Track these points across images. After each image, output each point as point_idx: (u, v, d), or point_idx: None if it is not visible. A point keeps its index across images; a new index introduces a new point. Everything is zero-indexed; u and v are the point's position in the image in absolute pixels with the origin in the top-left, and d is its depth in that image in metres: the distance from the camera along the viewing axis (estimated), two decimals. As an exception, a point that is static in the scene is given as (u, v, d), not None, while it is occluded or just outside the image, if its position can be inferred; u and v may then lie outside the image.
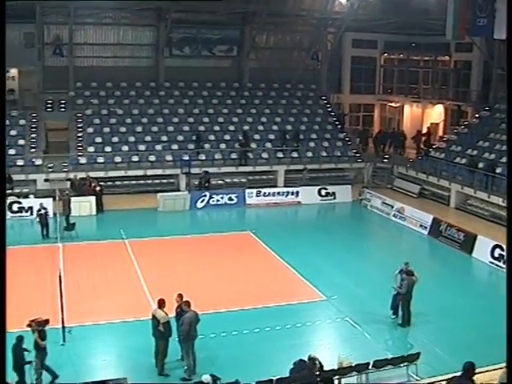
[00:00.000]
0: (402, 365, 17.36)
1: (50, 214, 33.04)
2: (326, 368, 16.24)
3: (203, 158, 41.94)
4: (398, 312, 21.84)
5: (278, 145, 44.25)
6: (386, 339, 20.89)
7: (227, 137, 44.01)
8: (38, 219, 31.92)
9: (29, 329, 17.33)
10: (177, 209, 37.28)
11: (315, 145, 45.09)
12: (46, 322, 17.71)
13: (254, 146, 43.56)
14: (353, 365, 16.79)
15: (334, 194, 40.53)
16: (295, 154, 43.98)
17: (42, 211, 31.81)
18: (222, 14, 45.79)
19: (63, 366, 18.29)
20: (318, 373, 15.94)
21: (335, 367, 16.79)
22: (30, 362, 16.81)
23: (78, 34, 46.11)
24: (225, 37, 48.82)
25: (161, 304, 18.09)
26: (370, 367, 16.91)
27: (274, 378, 15.80)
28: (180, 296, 18.45)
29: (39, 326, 17.31)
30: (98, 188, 37.04)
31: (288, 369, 16.15)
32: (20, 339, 16.77)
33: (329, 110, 49.65)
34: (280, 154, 43.64)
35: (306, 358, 16.19)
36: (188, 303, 18.03)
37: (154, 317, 18.02)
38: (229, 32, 48.92)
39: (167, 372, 18.08)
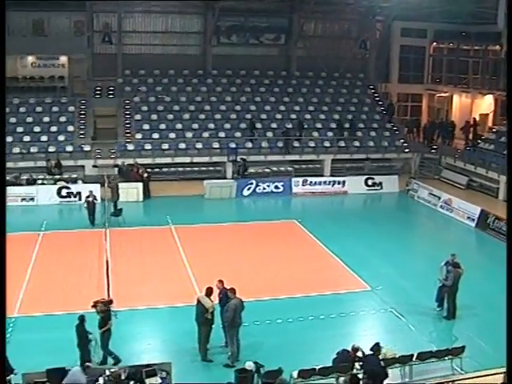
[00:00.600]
0: (446, 358, 17.23)
1: (98, 200, 33.49)
2: (369, 359, 16.22)
3: (250, 146, 41.99)
4: (443, 304, 21.65)
5: (326, 134, 44.07)
6: (430, 331, 20.74)
7: (274, 125, 43.96)
8: (85, 205, 31.90)
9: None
10: (223, 196, 37.45)
11: (362, 134, 44.78)
12: (110, 302, 18.11)
13: (298, 134, 43.46)
14: (396, 356, 16.74)
15: (380, 184, 40.25)
16: (342, 144, 43.72)
17: (90, 198, 31.73)
18: (270, 1, 45.71)
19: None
20: (360, 363, 15.96)
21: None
22: (91, 340, 17.30)
23: (127, 21, 46.62)
24: (273, 25, 48.71)
25: (209, 292, 18.21)
26: (413, 359, 16.84)
27: (317, 367, 15.84)
28: (221, 282, 18.59)
29: (104, 307, 17.55)
30: (145, 174, 37.43)
31: (331, 358, 16.19)
32: (82, 319, 17.23)
33: (376, 99, 49.25)
34: (327, 143, 43.45)
35: (349, 348, 16.20)
36: (233, 290, 18.14)
37: (199, 303, 18.15)
38: (277, 20, 48.80)
39: (210, 358, 18.24)
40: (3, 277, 16.74)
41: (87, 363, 15.14)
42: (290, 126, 43.75)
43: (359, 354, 16.25)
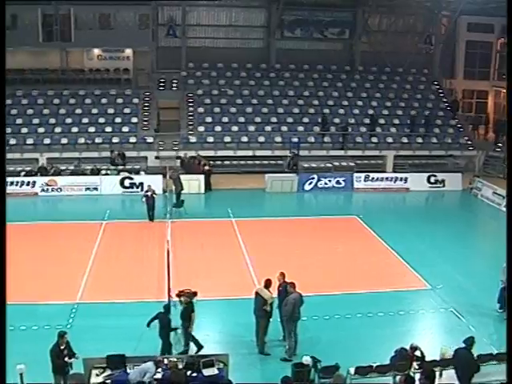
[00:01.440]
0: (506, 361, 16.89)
1: (159, 191, 33.85)
2: (427, 358, 16.04)
3: (312, 140, 41.89)
4: (505, 306, 21.25)
5: (389, 129, 43.67)
6: (490, 333, 20.32)
7: (337, 120, 43.71)
8: (144, 200, 31.33)
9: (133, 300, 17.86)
10: (284, 190, 37.46)
11: (425, 131, 44.18)
12: (195, 294, 18.28)
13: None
14: (455, 357, 16.49)
15: (443, 181, 39.65)
16: (405, 140, 43.24)
17: (149, 193, 31.19)
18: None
19: (169, 339, 18.95)
20: (419, 363, 15.80)
21: (437, 358, 16.53)
22: (175, 329, 17.68)
23: (191, 15, 47.01)
24: (337, 19, 48.38)
25: (268, 284, 18.27)
26: (473, 361, 16.56)
27: (374, 365, 15.75)
28: (282, 275, 18.61)
29: (188, 298, 17.87)
30: (206, 167, 37.69)
31: (389, 356, 16.06)
32: (167, 308, 17.60)
33: (441, 95, 48.51)
34: (390, 139, 43.04)
35: (407, 347, 16.06)
36: (293, 284, 18.13)
37: (258, 295, 18.21)
38: (341, 14, 48.45)
39: (268, 351, 18.30)
40: (3, 277, 17.01)
41: (158, 357, 15.30)
42: (352, 121, 43.54)
43: (417, 353, 16.08)
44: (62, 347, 15.40)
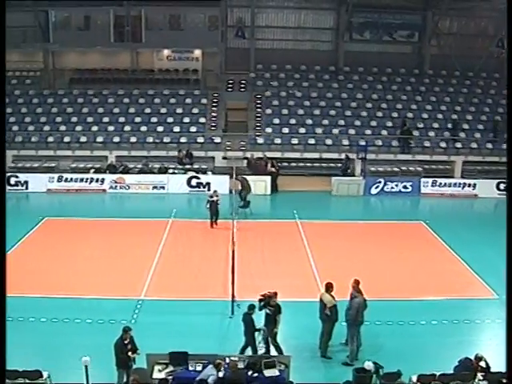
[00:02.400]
0: None
1: (226, 191, 34.01)
2: (493, 369, 15.69)
3: (380, 143, 41.53)
4: None
5: (458, 134, 42.96)
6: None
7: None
8: (208, 206, 30.28)
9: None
10: (350, 193, 37.27)
11: (495, 136, 43.27)
12: (275, 294, 18.21)
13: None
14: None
15: (513, 188, 38.77)
16: (474, 145, 42.44)
17: (214, 198, 30.13)
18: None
19: (229, 338, 19.14)
20: (483, 374, 15.47)
21: (503, 370, 16.15)
22: (259, 330, 17.60)
23: (260, 16, 47.17)
24: (406, 22, 47.82)
25: (328, 287, 18.16)
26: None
27: (437, 374, 15.48)
28: (356, 282, 18.39)
29: (273, 302, 17.82)
30: (273, 168, 37.76)
31: (452, 366, 15.78)
32: (251, 308, 17.60)
33: (512, 100, 47.48)
34: (458, 144, 42.33)
35: (472, 357, 15.75)
36: (357, 289, 18.01)
37: (321, 300, 18.15)
38: (411, 17, 47.86)
39: (330, 355, 18.19)
40: (3, 277, 17.23)
41: (218, 360, 15.36)
42: (421, 125, 42.98)
43: (482, 363, 15.74)
44: (126, 342, 15.63)
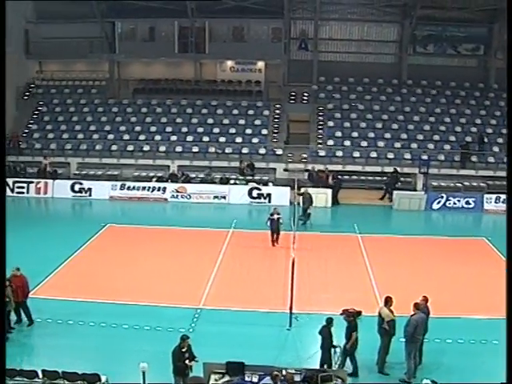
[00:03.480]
0: None
1: (286, 202, 33.96)
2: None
3: (442, 158, 40.96)
4: None
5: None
6: None
7: (468, 138, 42.49)
8: (268, 223, 29.08)
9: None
10: (412, 208, 36.77)
11: None
12: (359, 313, 18.03)
13: (496, 149, 41.74)
14: None
15: None
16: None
17: (275, 216, 28.83)
18: (471, 10, 44.32)
19: (286, 350, 18.90)
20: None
21: None
22: (336, 347, 17.41)
23: (323, 29, 47.16)
24: (472, 35, 47.06)
25: (387, 301, 17.93)
26: None
27: (498, 395, 15.14)
28: (425, 299, 18.09)
29: (351, 317, 17.67)
30: (331, 181, 37.59)
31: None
32: (329, 321, 17.45)
33: None
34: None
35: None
36: (416, 305, 17.73)
37: (379, 314, 17.94)
38: (476, 30, 47.09)
39: (387, 371, 17.91)
40: (3, 278, 17.31)
41: (275, 372, 15.28)
42: (485, 140, 42.21)
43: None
44: (184, 350, 15.71)
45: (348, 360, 17.63)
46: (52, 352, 18.89)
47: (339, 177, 38.56)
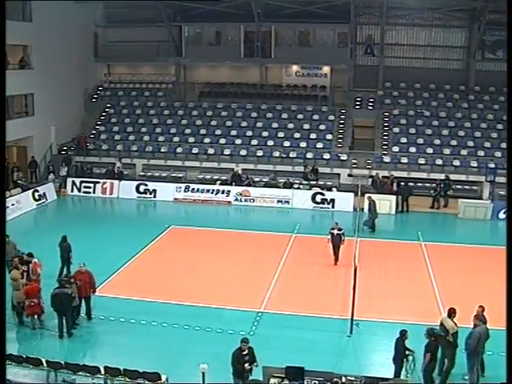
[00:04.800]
0: None
1: (349, 208, 33.79)
2: None
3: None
4: None
5: None
6: None
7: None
8: (328, 237, 27.13)
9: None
10: (477, 217, 36.02)
11: None
12: (443, 337, 17.40)
13: None
14: None
15: None
16: None
17: (335, 231, 26.91)
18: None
19: (346, 356, 18.89)
20: None
21: None
22: (408, 355, 17.11)
23: (390, 34, 46.71)
24: (544, 40, 46.05)
25: (451, 313, 17.60)
26: None
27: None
28: (481, 308, 17.75)
29: (433, 337, 17.05)
30: (394, 188, 37.21)
31: None
32: (403, 333, 17.16)
33: None
34: None
35: None
36: (477, 316, 17.37)
37: (442, 325, 17.61)
38: (548, 35, 46.10)
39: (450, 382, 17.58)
40: (3, 280, 17.33)
41: (335, 379, 15.17)
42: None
43: None
44: (244, 353, 15.76)
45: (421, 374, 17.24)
46: (114, 349, 19.24)
47: (409, 184, 37.97)
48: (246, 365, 15.76)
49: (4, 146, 25.89)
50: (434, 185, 38.23)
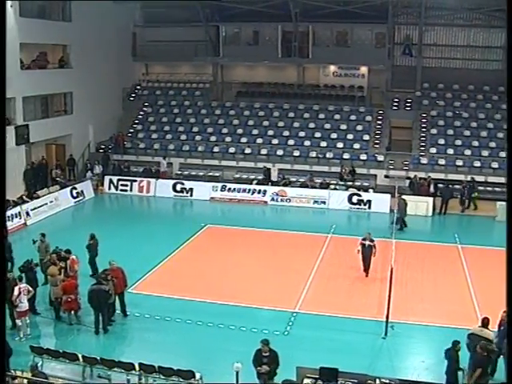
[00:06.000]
0: None
1: (386, 209, 33.59)
2: None
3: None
4: None
5: None
6: None
7: None
8: (359, 248, 25.57)
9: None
10: (515, 220, 35.57)
11: None
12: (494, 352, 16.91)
13: None
14: None
15: None
16: None
17: (367, 242, 25.41)
18: None
19: (380, 359, 18.77)
20: None
21: None
22: (461, 369, 16.71)
23: (428, 34, 46.21)
24: None
25: (487, 323, 17.26)
26: None
27: None
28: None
29: (485, 352, 16.33)
30: (431, 190, 36.90)
31: None
32: (455, 344, 16.66)
33: None
34: None
35: None
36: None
37: (478, 335, 17.02)
38: None
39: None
40: (3, 279, 17.33)
41: (369, 381, 15.03)
42: None
43: None
44: (265, 354, 15.52)
45: None
46: (149, 346, 19.43)
47: (449, 186, 37.46)
48: (264, 366, 15.60)
49: (4, 146, 26.26)
50: (459, 187, 37.79)
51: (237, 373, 14.35)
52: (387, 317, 20.19)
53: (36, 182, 37.41)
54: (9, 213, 31.18)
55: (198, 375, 15.89)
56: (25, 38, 35.20)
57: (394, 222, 31.66)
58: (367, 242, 25.30)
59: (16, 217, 32.05)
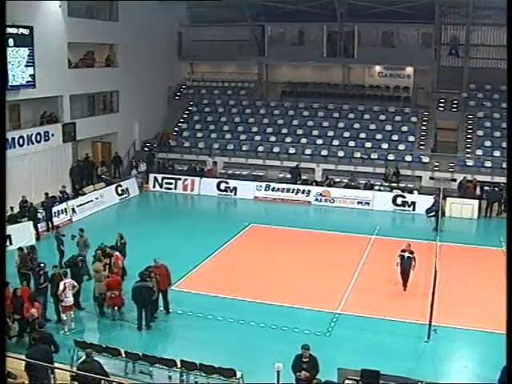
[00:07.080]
0: None
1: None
2: None
3: None
4: None
5: None
6: None
7: None
8: (398, 261, 24.03)
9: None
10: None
11: None
12: None
13: None
14: None
15: None
16: None
17: (406, 254, 23.90)
18: None
19: (423, 362, 18.57)
20: None
21: None
22: None
23: (475, 34, 45.41)
24: None
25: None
26: None
27: None
28: None
29: None
30: (477, 192, 36.42)
31: None
32: None
33: None
34: None
35: None
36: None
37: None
38: None
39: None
40: (3, 277, 17.32)
41: (412, 381, 14.90)
42: None
43: None
44: (305, 360, 15.24)
45: None
46: (190, 343, 19.58)
47: (496, 188, 36.84)
48: (303, 372, 15.24)
49: (4, 146, 26.63)
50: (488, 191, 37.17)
51: (278, 373, 14.34)
52: (430, 320, 19.99)
53: (82, 179, 37.95)
54: (55, 209, 31.82)
55: (238, 374, 15.96)
56: (73, 37, 35.71)
57: (428, 211, 31.34)
58: (406, 254, 23.93)
59: (62, 213, 32.59)
